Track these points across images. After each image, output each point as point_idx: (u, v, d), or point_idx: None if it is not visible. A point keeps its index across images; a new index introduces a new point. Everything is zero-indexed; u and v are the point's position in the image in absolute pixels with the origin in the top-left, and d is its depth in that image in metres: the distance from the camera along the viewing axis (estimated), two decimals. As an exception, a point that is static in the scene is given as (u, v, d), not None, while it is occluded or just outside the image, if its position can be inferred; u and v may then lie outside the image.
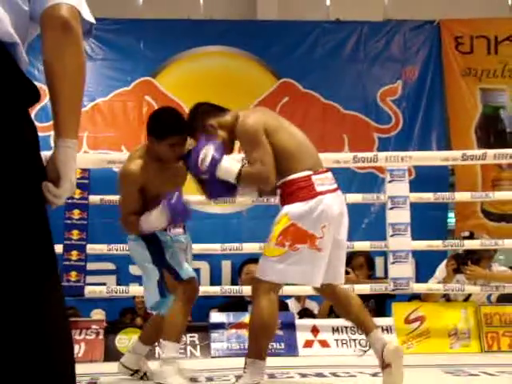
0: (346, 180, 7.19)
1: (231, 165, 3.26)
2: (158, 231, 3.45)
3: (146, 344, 3.68)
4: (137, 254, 3.55)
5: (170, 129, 3.43)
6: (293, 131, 3.43)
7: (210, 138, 3.34)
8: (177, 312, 3.37)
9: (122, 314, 6.04)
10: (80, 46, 1.66)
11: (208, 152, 3.25)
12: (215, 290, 4.98)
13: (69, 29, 1.63)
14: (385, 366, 3.26)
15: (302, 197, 3.24)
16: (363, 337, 4.60)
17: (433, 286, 4.98)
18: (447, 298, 5.27)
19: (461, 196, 5.70)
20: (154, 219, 3.34)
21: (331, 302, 3.64)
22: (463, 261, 4.97)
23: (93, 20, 1.75)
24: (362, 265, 5.08)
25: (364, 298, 4.79)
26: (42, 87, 5.70)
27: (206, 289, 4.44)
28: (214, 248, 4.99)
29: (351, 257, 5.22)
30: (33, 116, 5.99)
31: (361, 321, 3.46)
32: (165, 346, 3.33)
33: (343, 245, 3.46)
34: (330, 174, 3.39)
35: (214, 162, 3.24)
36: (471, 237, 4.98)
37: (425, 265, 5.81)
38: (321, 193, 3.25)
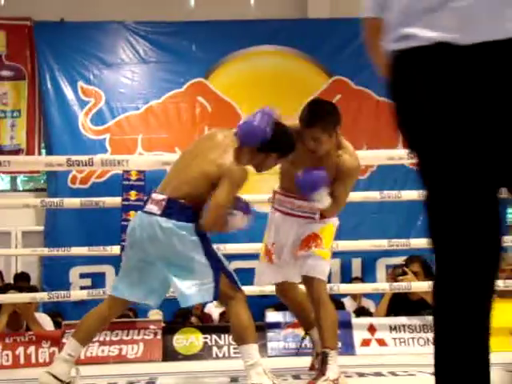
0: (401, 177, 7.12)
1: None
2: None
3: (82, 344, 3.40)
4: (189, 244, 3.24)
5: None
6: None
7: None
8: (245, 313, 3.31)
9: (178, 315, 6.09)
10: None
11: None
12: (271, 289, 4.97)
13: None
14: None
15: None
16: (421, 335, 4.57)
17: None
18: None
19: (519, 191, 5.58)
20: (240, 220, 3.36)
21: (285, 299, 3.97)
22: None
23: None
24: (416, 272, 4.90)
25: (420, 307, 4.74)
26: (97, 91, 5.83)
27: (262, 288, 4.42)
28: (269, 247, 4.97)
29: (408, 261, 5.10)
30: (88, 120, 6.09)
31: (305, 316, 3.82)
32: (248, 350, 3.25)
33: None
34: None
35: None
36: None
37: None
38: None
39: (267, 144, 3.30)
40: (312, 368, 3.73)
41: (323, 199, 3.44)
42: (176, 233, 3.23)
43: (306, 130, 3.40)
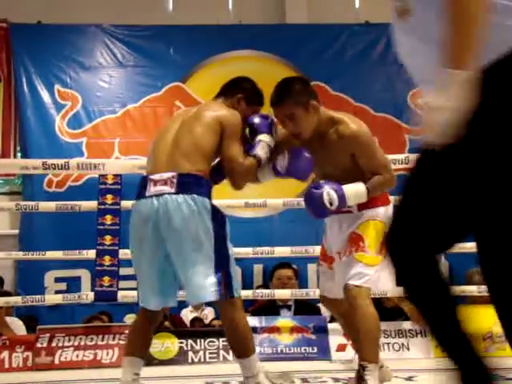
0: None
1: (354, 188, 3.15)
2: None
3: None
4: (203, 226, 2.96)
5: (261, 100, 3.52)
6: None
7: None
8: (244, 319, 3.07)
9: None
10: None
11: (329, 192, 3.11)
12: (247, 293, 4.98)
13: None
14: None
15: (385, 201, 3.31)
16: (396, 340, 4.59)
17: (466, 288, 4.93)
18: None
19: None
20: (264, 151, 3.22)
21: (340, 316, 3.59)
22: None
23: None
24: None
25: (395, 314, 4.76)
26: (74, 94, 5.82)
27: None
28: (246, 252, 4.99)
29: None
30: (65, 123, 6.05)
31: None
32: (250, 363, 3.04)
33: None
34: None
35: (342, 199, 3.11)
36: None
37: (458, 267, 5.76)
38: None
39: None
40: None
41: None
42: (194, 210, 2.96)
43: (276, 110, 3.22)
